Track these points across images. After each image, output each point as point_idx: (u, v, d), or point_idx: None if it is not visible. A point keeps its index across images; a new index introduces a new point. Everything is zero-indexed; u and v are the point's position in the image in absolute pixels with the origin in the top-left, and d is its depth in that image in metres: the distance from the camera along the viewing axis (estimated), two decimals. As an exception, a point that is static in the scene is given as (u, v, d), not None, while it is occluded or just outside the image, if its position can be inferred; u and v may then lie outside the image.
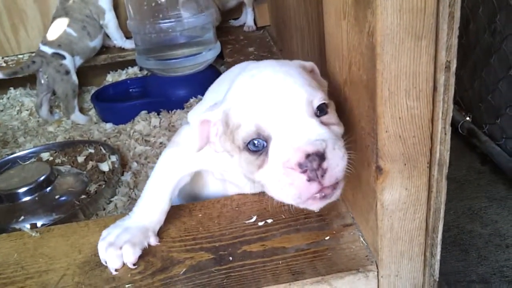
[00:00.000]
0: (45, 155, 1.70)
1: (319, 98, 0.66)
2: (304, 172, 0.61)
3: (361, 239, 0.76)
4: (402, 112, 0.59)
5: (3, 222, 1.33)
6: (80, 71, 2.21)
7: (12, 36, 2.51)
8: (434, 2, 0.53)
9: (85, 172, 1.58)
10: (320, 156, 0.61)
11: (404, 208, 0.66)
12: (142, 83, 2.24)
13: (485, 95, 1.61)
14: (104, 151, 1.67)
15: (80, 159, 1.66)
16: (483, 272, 1.18)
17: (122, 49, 2.38)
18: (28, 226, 1.31)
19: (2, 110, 2.33)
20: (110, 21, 2.27)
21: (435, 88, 0.58)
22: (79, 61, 2.20)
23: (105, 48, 2.43)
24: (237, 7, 2.57)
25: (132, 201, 1.44)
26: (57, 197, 1.42)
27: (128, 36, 2.36)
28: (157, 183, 0.86)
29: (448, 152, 0.62)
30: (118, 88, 2.25)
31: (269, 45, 2.23)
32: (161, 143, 1.76)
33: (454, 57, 0.56)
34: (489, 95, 1.60)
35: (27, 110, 2.29)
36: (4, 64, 2.43)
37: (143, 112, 1.99)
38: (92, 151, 1.69)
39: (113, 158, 1.63)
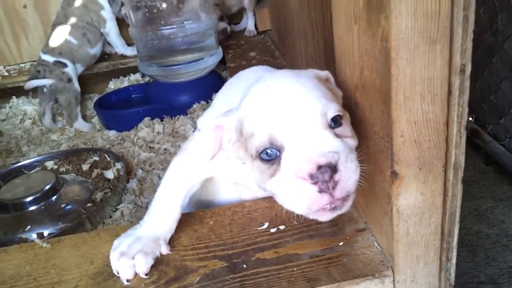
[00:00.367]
0: (50, 164, 1.70)
1: (333, 110, 0.66)
2: (315, 183, 0.61)
3: (375, 244, 0.75)
4: (417, 117, 0.59)
5: (10, 232, 1.32)
6: (82, 79, 2.21)
7: (13, 45, 2.51)
8: (449, 6, 0.53)
9: (90, 180, 1.57)
10: (332, 168, 0.61)
11: (420, 212, 0.65)
12: (144, 89, 2.24)
13: (488, 95, 1.61)
14: (108, 159, 1.67)
15: (85, 167, 1.65)
16: (492, 273, 1.18)
17: (124, 56, 2.39)
18: (34, 235, 1.31)
19: (5, 119, 2.33)
20: (111, 29, 2.27)
21: (449, 92, 0.58)
22: (80, 68, 2.20)
23: (107, 55, 2.43)
24: (238, 12, 2.58)
25: (138, 208, 1.44)
26: (63, 205, 1.42)
27: (129, 43, 2.36)
28: (168, 190, 0.85)
29: (464, 156, 0.62)
30: (120, 95, 2.25)
31: (271, 50, 2.23)
32: (165, 149, 1.76)
33: (469, 60, 0.56)
34: (492, 95, 1.59)
35: (30, 118, 2.29)
36: (6, 73, 2.43)
37: (147, 118, 1.99)
38: (97, 158, 1.69)
39: (118, 165, 1.62)
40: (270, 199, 0.90)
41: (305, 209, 0.64)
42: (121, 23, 2.35)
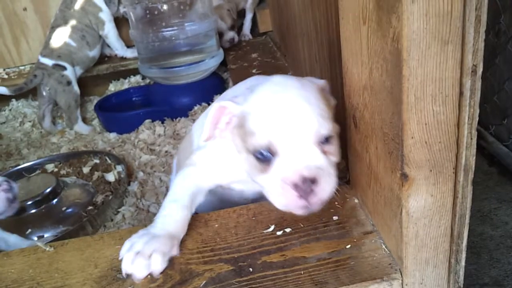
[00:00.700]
0: (50, 167, 1.69)
1: (327, 129, 0.74)
2: (296, 190, 0.71)
3: (383, 246, 0.75)
4: (428, 118, 0.58)
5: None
6: (81, 81, 2.21)
7: (13, 48, 2.51)
8: (461, 6, 0.52)
9: (91, 183, 1.56)
10: (314, 181, 0.71)
11: (430, 215, 0.65)
12: (145, 91, 2.24)
13: (491, 96, 1.61)
14: (109, 161, 1.66)
15: (86, 169, 1.64)
16: (496, 275, 1.17)
17: (124, 58, 2.38)
18: (35, 238, 1.30)
19: (4, 122, 2.32)
20: (110, 31, 2.26)
21: (461, 93, 0.57)
22: (79, 71, 2.20)
23: (106, 57, 2.42)
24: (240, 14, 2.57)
25: (139, 211, 1.43)
26: (64, 209, 1.41)
27: (129, 45, 2.35)
28: (177, 191, 0.87)
29: (474, 157, 0.61)
30: (121, 97, 2.24)
31: (272, 51, 2.23)
32: (166, 151, 1.75)
33: (480, 61, 0.55)
34: (495, 96, 1.59)
35: (29, 121, 2.28)
36: (6, 76, 2.42)
37: (147, 120, 1.98)
38: (97, 161, 1.68)
39: (119, 168, 1.61)
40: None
41: (283, 206, 0.75)
42: (121, 24, 2.34)
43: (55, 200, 1.42)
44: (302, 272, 0.72)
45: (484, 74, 1.61)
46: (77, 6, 2.17)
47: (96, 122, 2.19)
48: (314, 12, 1.23)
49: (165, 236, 0.79)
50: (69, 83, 2.09)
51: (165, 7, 1.94)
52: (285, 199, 0.73)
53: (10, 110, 2.42)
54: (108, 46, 2.37)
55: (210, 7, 2.06)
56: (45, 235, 1.31)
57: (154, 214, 1.35)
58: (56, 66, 2.08)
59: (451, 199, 0.64)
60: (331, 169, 0.74)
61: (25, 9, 2.44)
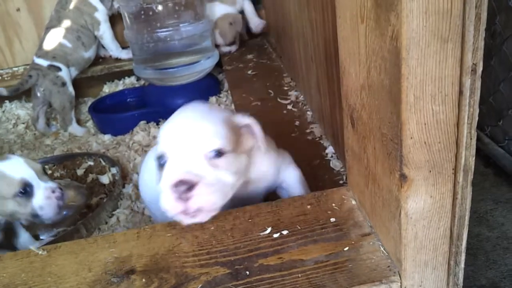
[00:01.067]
0: (44, 169, 1.67)
1: (217, 144, 0.80)
2: (174, 192, 0.76)
3: (382, 248, 0.74)
4: (427, 118, 0.57)
5: (4, 238, 1.29)
6: (76, 82, 2.19)
7: (6, 48, 2.48)
8: (461, 4, 0.51)
9: (85, 185, 1.55)
10: (190, 185, 0.76)
11: (429, 216, 0.64)
12: (140, 93, 2.22)
13: (487, 97, 1.60)
14: (103, 163, 1.65)
15: (80, 172, 1.63)
16: (493, 276, 1.17)
17: (118, 60, 2.37)
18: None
19: (-3, 124, 2.30)
20: (105, 32, 2.25)
21: (460, 92, 0.56)
22: (74, 72, 2.18)
23: (101, 58, 2.41)
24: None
25: (134, 213, 1.41)
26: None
27: (124, 46, 2.34)
28: None
29: (474, 158, 0.60)
30: (115, 98, 2.23)
31: (268, 52, 2.22)
32: (161, 153, 1.73)
33: (480, 59, 0.55)
34: (491, 97, 1.59)
35: (23, 123, 2.26)
36: (-1, 78, 2.40)
37: (142, 122, 1.97)
38: (92, 163, 1.66)
39: (114, 170, 1.60)
40: (272, 204, 0.88)
41: (166, 210, 0.78)
42: (116, 25, 2.33)
43: (48, 203, 1.40)
44: (299, 275, 0.71)
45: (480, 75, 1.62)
46: (72, 6, 2.16)
47: (90, 123, 2.17)
48: (310, 12, 1.22)
49: None
50: (64, 84, 2.07)
51: (160, 7, 1.93)
52: (165, 202, 0.78)
53: (3, 111, 2.40)
54: (103, 47, 2.36)
55: (205, 8, 2.05)
56: (40, 236, 1.30)
57: (149, 217, 1.35)
58: (51, 67, 2.06)
59: (450, 200, 0.63)
60: (216, 183, 0.79)
61: (18, 9, 2.42)
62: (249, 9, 2.35)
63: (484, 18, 0.53)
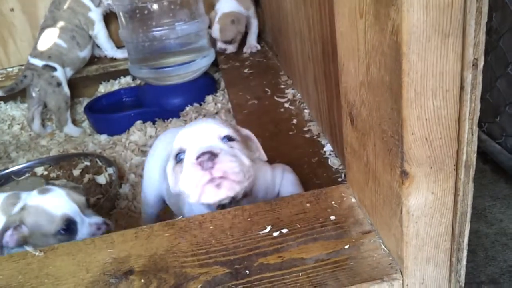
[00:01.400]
0: (40, 170, 1.66)
1: (226, 131, 0.88)
2: (200, 165, 0.81)
3: (383, 246, 0.73)
4: (428, 113, 0.57)
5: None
6: (71, 83, 2.18)
7: (1, 49, 2.47)
8: (462, -3, 0.51)
9: (81, 185, 1.54)
10: (212, 154, 0.81)
11: (430, 213, 0.63)
12: (136, 92, 2.21)
13: (483, 93, 1.59)
14: (100, 164, 1.64)
15: (76, 172, 1.62)
16: (492, 273, 1.17)
17: (114, 59, 2.35)
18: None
19: (-8, 125, 2.28)
20: (99, 31, 2.24)
21: (461, 87, 0.56)
22: (69, 72, 2.17)
23: (96, 58, 2.39)
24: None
25: (131, 213, 1.40)
26: (54, 212, 1.38)
27: (119, 45, 2.33)
28: None
29: (475, 154, 0.60)
30: (111, 98, 2.22)
31: (264, 50, 2.22)
32: (158, 153, 1.72)
33: (481, 54, 0.54)
34: (487, 94, 1.58)
35: (18, 124, 2.24)
36: (-6, 78, 2.38)
37: (138, 122, 1.96)
38: (88, 163, 1.65)
39: (110, 170, 1.59)
40: (271, 202, 0.88)
41: (194, 186, 0.82)
42: (111, 24, 2.32)
43: (45, 204, 1.39)
44: (300, 274, 0.70)
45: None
46: (66, 6, 2.14)
47: (86, 124, 2.16)
48: (307, 9, 1.21)
49: None
50: (59, 84, 2.06)
51: (155, 6, 1.91)
52: (193, 177, 0.81)
53: (-1, 112, 2.38)
54: (98, 46, 2.34)
55: (202, 6, 2.04)
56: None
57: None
58: (46, 67, 2.05)
59: (452, 197, 0.63)
60: (235, 155, 0.85)
61: (12, 9, 2.40)
62: (253, 29, 2.32)
63: (485, 12, 0.52)
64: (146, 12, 1.93)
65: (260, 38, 2.35)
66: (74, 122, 2.15)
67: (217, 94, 2.09)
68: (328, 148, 1.26)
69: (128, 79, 2.47)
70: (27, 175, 1.64)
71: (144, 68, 2.01)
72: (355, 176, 0.82)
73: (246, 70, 1.99)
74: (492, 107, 1.57)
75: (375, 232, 0.76)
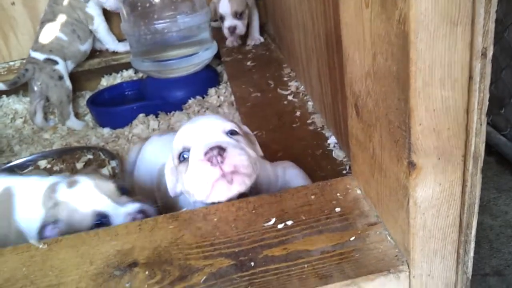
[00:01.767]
0: (43, 163, 1.66)
1: (229, 126, 0.88)
2: (209, 160, 0.79)
3: (389, 238, 0.72)
4: (436, 104, 0.56)
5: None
6: (73, 76, 2.17)
7: (2, 43, 2.46)
8: (471, -15, 0.50)
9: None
10: (221, 148, 0.80)
11: (438, 204, 0.62)
12: (138, 85, 2.21)
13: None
14: (103, 157, 1.64)
15: (79, 165, 1.62)
16: (497, 265, 1.16)
17: (116, 52, 2.35)
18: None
19: (-5, 119, 2.28)
20: (99, 25, 2.23)
21: (470, 77, 0.55)
22: (70, 65, 2.16)
23: (98, 51, 2.39)
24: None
25: (135, 207, 1.40)
26: (57, 205, 1.38)
27: (121, 38, 2.32)
28: None
29: (484, 144, 0.59)
30: (114, 92, 2.21)
31: (266, 43, 2.20)
32: (161, 146, 1.72)
33: (491, 43, 0.53)
34: (492, 85, 1.57)
35: (21, 117, 2.24)
36: (-5, 72, 2.38)
37: (141, 115, 1.95)
38: (91, 157, 1.65)
39: (113, 163, 1.59)
40: (276, 194, 0.87)
41: (204, 184, 0.80)
42: (112, 17, 2.30)
43: (48, 197, 1.39)
44: (305, 265, 0.70)
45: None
46: (65, 2, 2.14)
47: (88, 117, 2.16)
48: (310, 1, 1.20)
49: None
50: (60, 78, 2.06)
51: (156, -1, 1.91)
52: (202, 175, 0.80)
53: (1, 106, 2.38)
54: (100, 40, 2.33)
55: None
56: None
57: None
58: (47, 60, 2.04)
59: (459, 188, 0.62)
60: (242, 149, 0.84)
61: (13, 3, 2.39)
62: (255, 23, 2.27)
63: (495, 0, 0.51)
64: (147, 5, 1.92)
65: (262, 30, 2.33)
66: (77, 115, 2.15)
67: (220, 87, 2.08)
68: (332, 140, 1.25)
69: (130, 72, 2.47)
70: (30, 168, 1.64)
71: (146, 61, 2.00)
72: (361, 167, 0.81)
73: (249, 63, 1.98)
74: (497, 98, 1.56)
75: (381, 224, 0.76)
